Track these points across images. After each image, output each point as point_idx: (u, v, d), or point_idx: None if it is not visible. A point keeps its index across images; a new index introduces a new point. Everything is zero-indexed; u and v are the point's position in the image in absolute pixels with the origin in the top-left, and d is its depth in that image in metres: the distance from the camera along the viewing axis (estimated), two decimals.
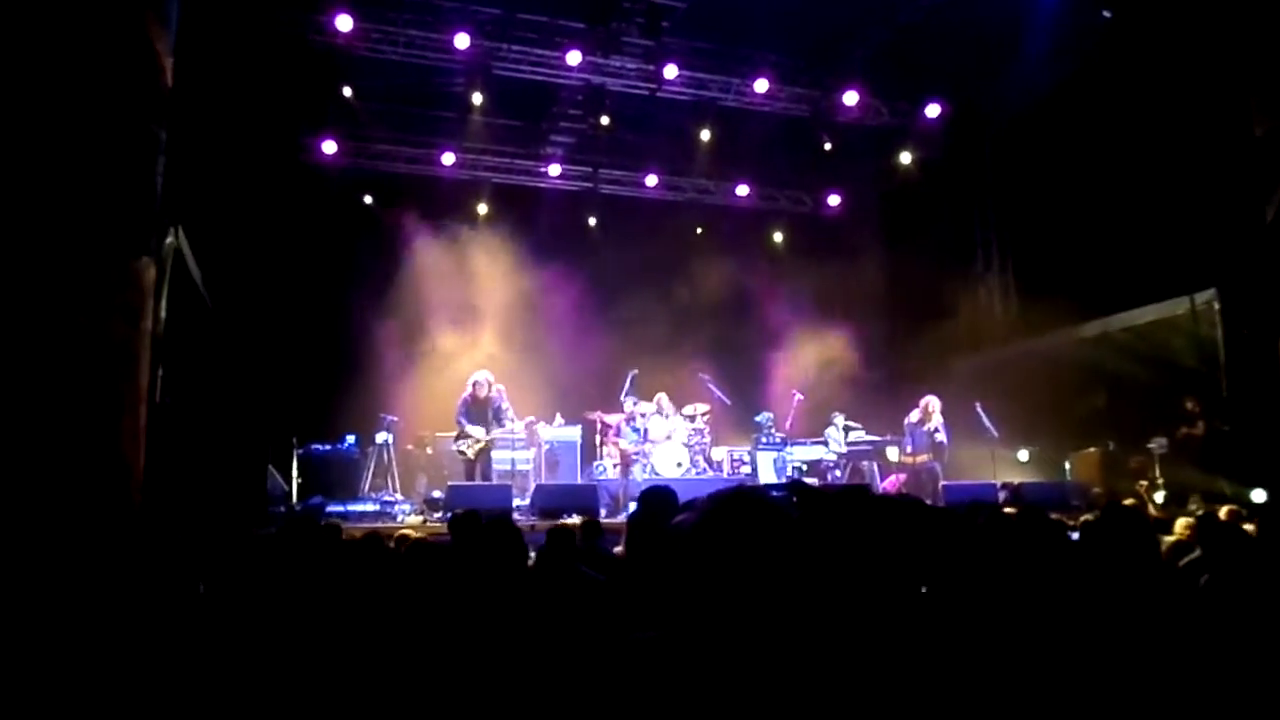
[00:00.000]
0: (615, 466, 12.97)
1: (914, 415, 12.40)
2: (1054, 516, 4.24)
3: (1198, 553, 4.42)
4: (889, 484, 12.88)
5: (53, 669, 2.68)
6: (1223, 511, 6.06)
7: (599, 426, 13.53)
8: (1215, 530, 4.28)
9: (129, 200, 5.12)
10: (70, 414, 4.67)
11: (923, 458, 12.26)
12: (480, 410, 11.61)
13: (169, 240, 8.07)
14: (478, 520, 5.17)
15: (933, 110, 14.57)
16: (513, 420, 11.95)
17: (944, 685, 1.97)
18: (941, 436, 12.15)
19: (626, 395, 13.25)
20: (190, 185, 8.49)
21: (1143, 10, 11.14)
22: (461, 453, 11.61)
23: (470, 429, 11.52)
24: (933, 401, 12.31)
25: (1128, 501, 7.59)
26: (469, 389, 11.68)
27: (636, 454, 12.67)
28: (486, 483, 11.51)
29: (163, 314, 7.37)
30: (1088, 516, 4.25)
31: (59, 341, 4.73)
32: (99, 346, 4.87)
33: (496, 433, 11.67)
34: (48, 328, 4.72)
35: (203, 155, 9.63)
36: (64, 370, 4.70)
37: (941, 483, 11.75)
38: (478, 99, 13.45)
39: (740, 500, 1.93)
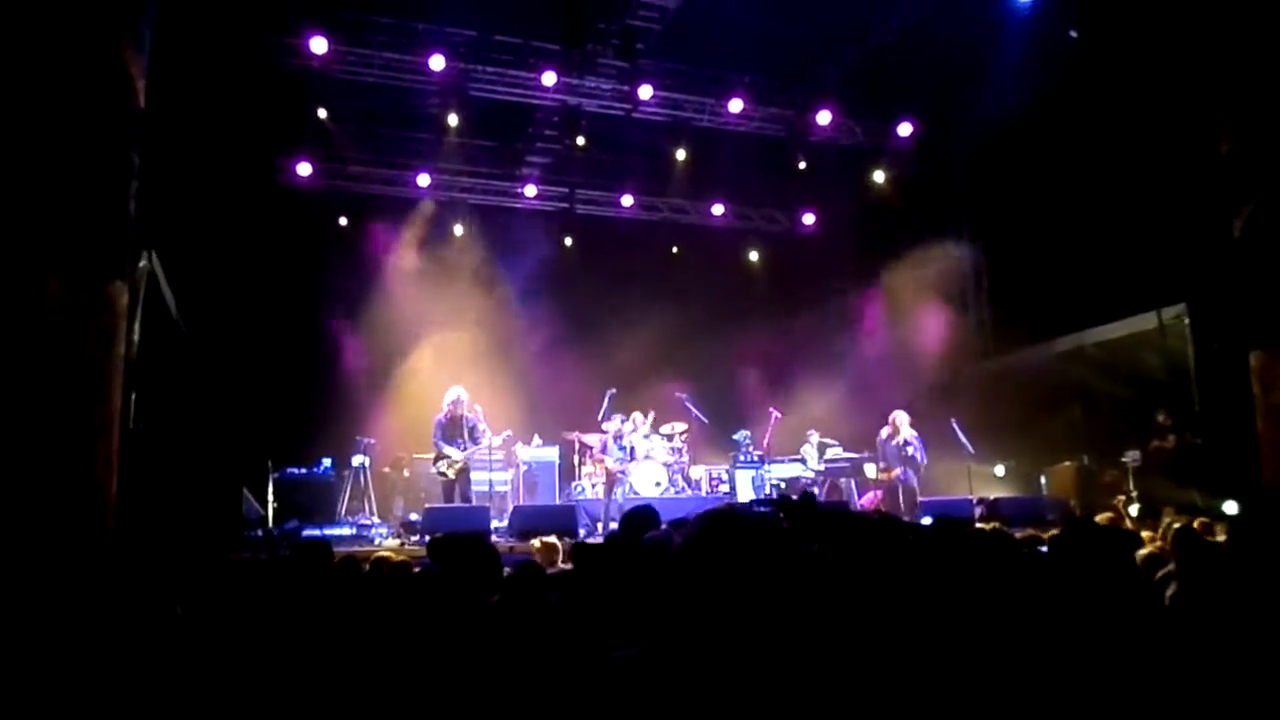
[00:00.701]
0: (595, 486, 12.93)
1: (884, 431, 12.47)
2: (1029, 532, 4.26)
3: (1172, 566, 4.44)
4: (866, 501, 12.92)
5: (27, 694, 2.64)
6: (1194, 524, 6.11)
7: (577, 447, 13.50)
8: (1192, 543, 4.31)
9: (101, 224, 5.09)
10: (42, 439, 4.62)
11: (895, 472, 12.29)
12: (455, 428, 11.46)
13: (142, 264, 8.02)
14: (458, 544, 5.14)
15: (905, 129, 14.73)
16: (488, 437, 11.86)
17: (926, 700, 1.98)
18: (914, 450, 12.17)
19: (605, 415, 13.24)
20: (164, 208, 8.45)
21: (1110, 31, 11.31)
22: (442, 474, 11.47)
23: (447, 449, 11.41)
24: (900, 416, 12.36)
25: (1103, 516, 7.62)
26: (445, 407, 11.53)
27: (622, 472, 12.65)
28: (465, 504, 11.43)
29: (135, 338, 7.32)
30: (1054, 531, 4.27)
31: (31, 365, 4.68)
32: (71, 371, 4.82)
33: (472, 450, 11.57)
34: (19, 351, 4.67)
35: (177, 178, 9.58)
36: (36, 395, 4.65)
37: (919, 498, 11.80)
38: (453, 120, 13.47)
39: (729, 519, 1.94)
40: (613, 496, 12.33)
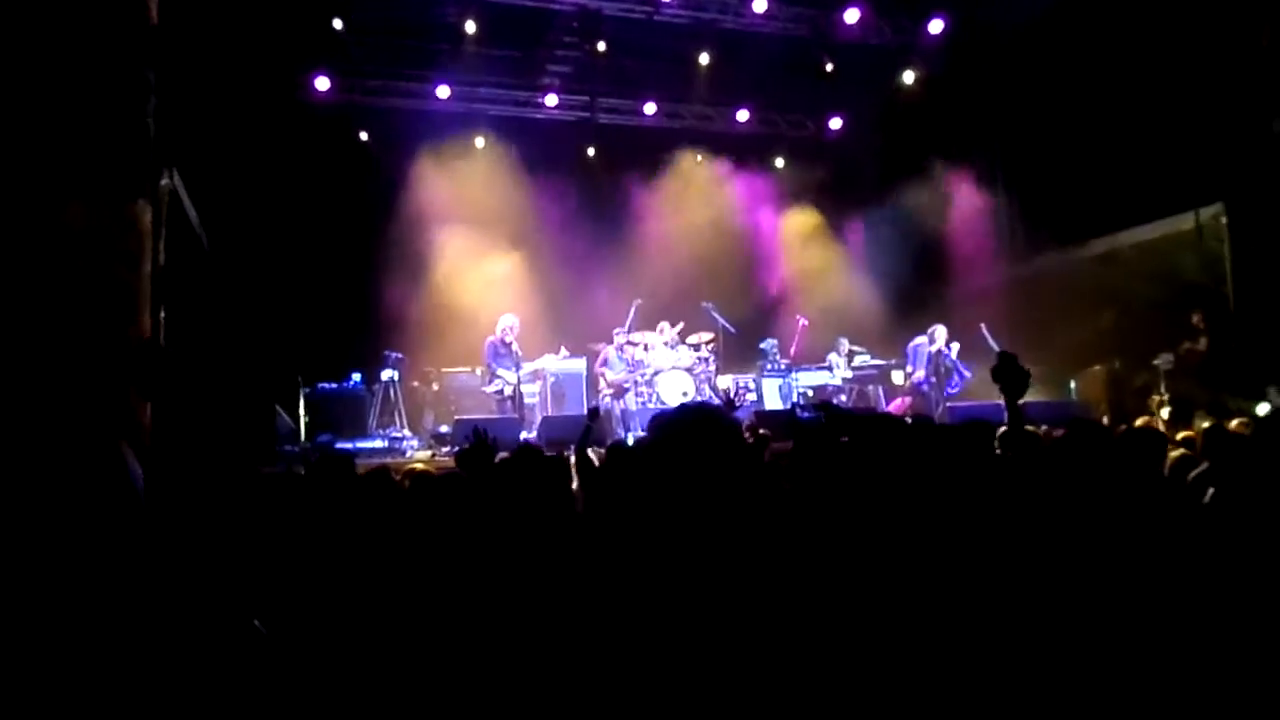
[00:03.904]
0: (608, 397, 12.95)
1: (921, 339, 12.64)
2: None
3: (1205, 466, 4.42)
4: (894, 407, 12.93)
5: (60, 613, 2.70)
6: (1233, 423, 6.05)
7: (601, 358, 13.56)
8: (1223, 442, 4.28)
9: (122, 143, 5.07)
10: (76, 359, 4.68)
11: (919, 375, 12.61)
12: (507, 352, 12.07)
13: (164, 182, 8.01)
14: (488, 451, 5.18)
15: (936, 26, 14.29)
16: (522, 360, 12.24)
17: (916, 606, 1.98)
18: (950, 363, 12.32)
19: (630, 325, 13.22)
20: (183, 126, 8.39)
21: None
22: (500, 392, 12.06)
23: (501, 371, 12.01)
24: (939, 329, 12.54)
25: (1141, 420, 7.57)
26: (499, 331, 12.06)
27: (627, 384, 12.72)
28: (492, 416, 11.63)
29: (162, 257, 7.35)
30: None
31: (62, 287, 4.72)
32: (102, 291, 4.86)
33: (520, 372, 12.10)
34: (50, 274, 4.70)
35: (194, 95, 9.49)
36: (68, 314, 4.70)
37: (947, 404, 11.82)
38: (471, 28, 13.20)
39: (690, 417, 1.90)
40: (624, 406, 12.49)
